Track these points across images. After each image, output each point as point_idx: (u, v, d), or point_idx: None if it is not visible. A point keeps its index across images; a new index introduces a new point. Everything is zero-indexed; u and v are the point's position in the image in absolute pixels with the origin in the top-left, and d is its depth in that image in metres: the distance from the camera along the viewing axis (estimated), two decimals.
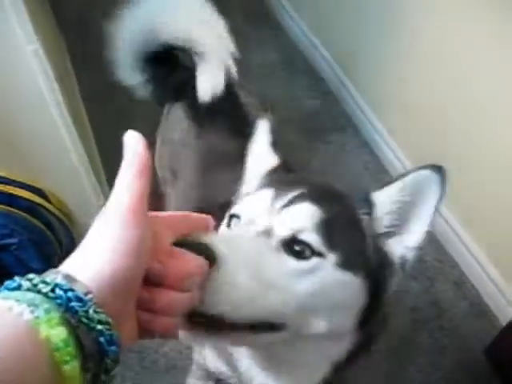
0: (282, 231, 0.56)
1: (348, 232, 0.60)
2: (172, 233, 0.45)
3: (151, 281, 0.41)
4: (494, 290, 1.55)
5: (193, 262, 0.45)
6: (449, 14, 1.48)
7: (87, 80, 1.95)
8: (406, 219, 0.60)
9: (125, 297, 0.38)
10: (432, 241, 1.73)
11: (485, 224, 1.54)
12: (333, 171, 1.86)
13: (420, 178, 0.58)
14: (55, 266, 0.38)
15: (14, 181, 1.20)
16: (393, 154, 1.89)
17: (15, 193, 1.18)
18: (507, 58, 1.32)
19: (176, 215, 0.48)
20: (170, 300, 0.42)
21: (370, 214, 0.61)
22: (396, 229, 0.61)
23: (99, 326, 0.35)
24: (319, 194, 0.61)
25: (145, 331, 0.41)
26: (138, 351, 1.45)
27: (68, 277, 0.35)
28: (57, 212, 1.32)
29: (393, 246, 0.62)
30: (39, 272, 0.36)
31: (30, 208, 1.23)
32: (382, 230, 0.62)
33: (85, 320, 0.34)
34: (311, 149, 1.92)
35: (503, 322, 1.49)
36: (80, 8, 2.30)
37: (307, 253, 0.55)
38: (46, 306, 0.33)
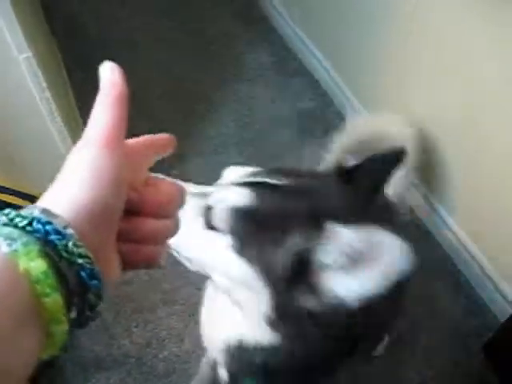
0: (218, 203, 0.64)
1: (264, 233, 0.61)
2: (146, 162, 0.44)
3: (130, 211, 0.40)
4: (491, 287, 1.55)
5: (170, 187, 0.44)
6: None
7: (82, 87, 1.95)
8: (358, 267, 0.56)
9: (104, 229, 0.36)
10: (427, 238, 1.73)
11: (481, 221, 1.54)
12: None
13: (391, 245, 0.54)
14: None
15: (6, 188, 1.21)
16: None
17: (8, 200, 1.18)
18: None
19: (143, 142, 0.45)
20: (151, 227, 0.41)
21: (313, 234, 0.58)
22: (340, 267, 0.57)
23: (79, 260, 0.33)
24: (267, 185, 0.64)
25: (128, 264, 0.40)
26: (137, 357, 1.45)
27: (45, 211, 0.34)
28: None
29: (331, 280, 0.58)
30: None
31: None
32: (324, 261, 0.57)
33: (64, 254, 0.33)
34: (305, 149, 1.93)
35: (501, 319, 1.48)
36: (74, 13, 2.30)
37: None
38: (24, 239, 0.31)
